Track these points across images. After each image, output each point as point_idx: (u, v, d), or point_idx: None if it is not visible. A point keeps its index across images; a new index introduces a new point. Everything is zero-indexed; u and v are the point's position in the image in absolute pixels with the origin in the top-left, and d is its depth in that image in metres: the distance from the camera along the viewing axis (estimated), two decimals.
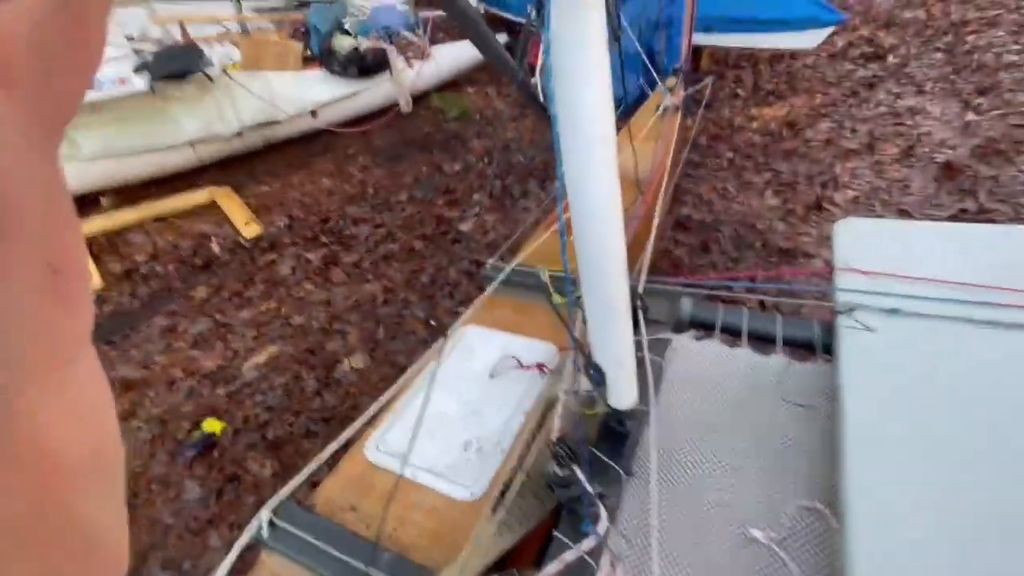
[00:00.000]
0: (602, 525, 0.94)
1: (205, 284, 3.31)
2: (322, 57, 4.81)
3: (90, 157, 3.78)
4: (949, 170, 2.93)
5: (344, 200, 4.13)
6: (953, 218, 2.60)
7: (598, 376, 1.09)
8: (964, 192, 2.76)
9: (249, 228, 3.85)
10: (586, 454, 1.04)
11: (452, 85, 5.63)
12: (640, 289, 1.48)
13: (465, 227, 3.48)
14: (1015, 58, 3.87)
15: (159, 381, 2.61)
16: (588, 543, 0.92)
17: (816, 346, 1.34)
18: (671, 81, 3.29)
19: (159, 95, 3.85)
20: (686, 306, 1.48)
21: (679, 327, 1.48)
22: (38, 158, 0.16)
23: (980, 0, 4.95)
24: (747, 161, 3.53)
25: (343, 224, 3.79)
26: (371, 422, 1.36)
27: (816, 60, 4.77)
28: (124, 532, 0.21)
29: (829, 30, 3.63)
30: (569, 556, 0.90)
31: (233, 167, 4.65)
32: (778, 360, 1.35)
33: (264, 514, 1.11)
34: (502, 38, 4.98)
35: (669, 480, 1.12)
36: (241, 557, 1.04)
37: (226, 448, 2.20)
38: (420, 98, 5.36)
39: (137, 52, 3.91)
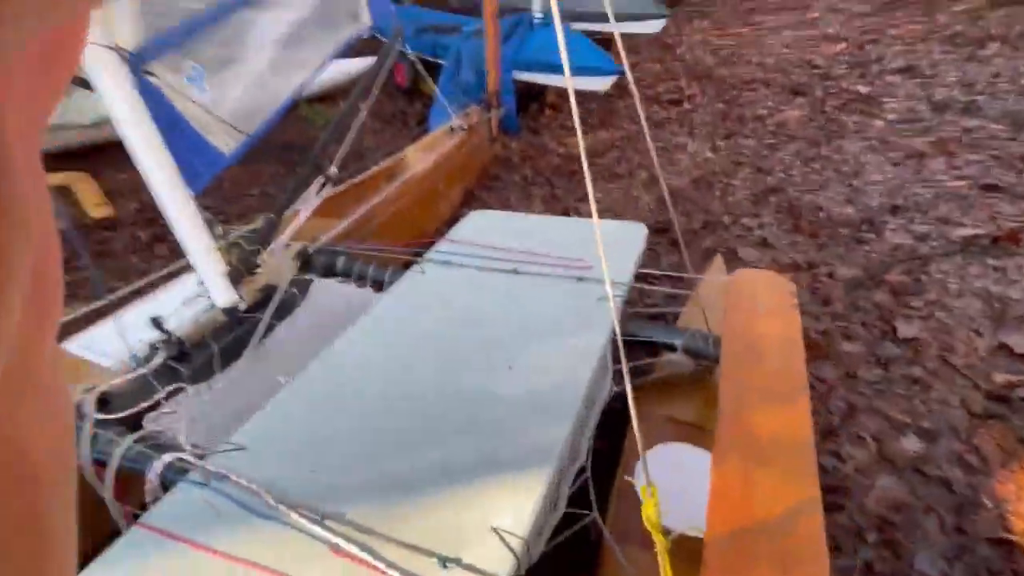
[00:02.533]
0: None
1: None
2: None
3: None
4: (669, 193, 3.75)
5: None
6: (651, 227, 3.38)
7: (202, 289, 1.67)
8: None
9: (99, 209, 4.18)
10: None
11: (323, 98, 6.17)
12: (311, 249, 2.10)
13: None
14: (763, 112, 4.87)
15: None
16: (148, 365, 1.47)
17: None
18: (471, 107, 4.01)
19: None
20: (339, 261, 2.10)
21: (329, 274, 2.08)
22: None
23: (769, 63, 6.06)
24: (539, 178, 4.27)
25: None
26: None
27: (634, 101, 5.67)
28: (74, 541, 0.20)
29: (613, 78, 4.47)
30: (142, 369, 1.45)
31: (96, 155, 4.95)
32: (380, 295, 1.96)
33: None
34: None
35: (254, 362, 1.68)
36: None
37: None
38: (292, 107, 5.85)
39: None
